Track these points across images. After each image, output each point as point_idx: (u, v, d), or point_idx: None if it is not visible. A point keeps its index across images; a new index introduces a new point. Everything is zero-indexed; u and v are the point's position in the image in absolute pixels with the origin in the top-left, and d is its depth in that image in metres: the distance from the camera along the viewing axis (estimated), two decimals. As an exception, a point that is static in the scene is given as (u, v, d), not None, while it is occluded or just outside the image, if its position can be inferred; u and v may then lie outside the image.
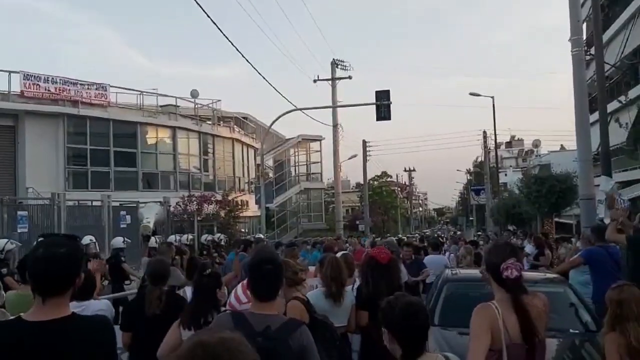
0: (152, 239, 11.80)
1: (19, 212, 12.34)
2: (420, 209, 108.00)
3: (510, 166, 68.49)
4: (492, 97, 36.64)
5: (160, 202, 17.80)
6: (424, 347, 2.49)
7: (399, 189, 72.91)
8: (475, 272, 7.12)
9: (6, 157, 20.97)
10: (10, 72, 21.00)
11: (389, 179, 65.85)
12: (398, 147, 58.44)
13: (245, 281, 5.00)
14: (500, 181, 48.33)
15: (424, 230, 70.10)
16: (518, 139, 79.61)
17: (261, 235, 17.31)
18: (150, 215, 10.81)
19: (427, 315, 2.58)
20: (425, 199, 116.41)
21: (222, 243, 15.63)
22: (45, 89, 21.94)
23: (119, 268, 9.97)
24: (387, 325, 2.54)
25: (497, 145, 42.04)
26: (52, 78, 22.39)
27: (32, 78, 21.67)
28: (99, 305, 4.57)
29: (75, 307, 4.47)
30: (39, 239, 2.44)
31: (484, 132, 42.46)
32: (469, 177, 68.57)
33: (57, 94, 22.21)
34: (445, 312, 5.70)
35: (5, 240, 8.22)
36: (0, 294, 4.04)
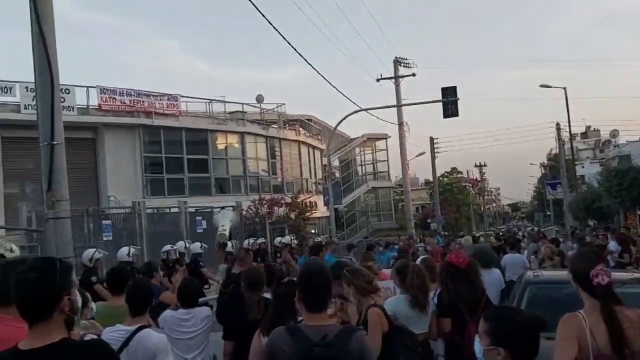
0: (229, 244, 12.07)
1: (104, 221, 12.97)
2: (494, 204, 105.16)
3: (587, 158, 65.36)
4: (564, 88, 35.14)
5: (232, 206, 18.22)
6: None
7: (470, 185, 71.23)
8: (558, 273, 6.84)
9: (88, 168, 22.08)
10: (88, 87, 22.13)
11: (459, 175, 64.50)
12: (467, 143, 57.38)
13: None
14: (577, 174, 46.25)
15: (498, 226, 68.07)
16: (594, 129, 75.79)
17: (319, 238, 17.19)
18: (225, 222, 11.02)
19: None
20: (498, 194, 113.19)
21: (294, 245, 15.79)
22: (121, 102, 22.96)
23: (198, 273, 10.27)
24: (503, 342, 2.36)
25: (572, 137, 40.26)
26: (127, 91, 23.40)
27: (108, 92, 22.74)
28: (206, 312, 4.75)
29: (184, 314, 4.69)
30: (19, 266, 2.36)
31: (557, 124, 40.75)
32: (543, 171, 66.03)
33: (132, 106, 23.20)
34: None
35: (93, 249, 8.61)
36: (89, 306, 4.20)
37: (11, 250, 5.86)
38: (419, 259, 6.22)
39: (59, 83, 6.95)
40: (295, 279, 4.57)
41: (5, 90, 20.26)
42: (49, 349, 2.19)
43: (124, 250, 9.18)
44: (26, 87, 19.58)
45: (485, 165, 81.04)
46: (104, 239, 12.32)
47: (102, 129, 22.37)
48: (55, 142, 6.81)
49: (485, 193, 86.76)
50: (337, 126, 26.81)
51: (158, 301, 5.76)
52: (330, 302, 3.08)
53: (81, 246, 10.14)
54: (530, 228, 48.95)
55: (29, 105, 19.49)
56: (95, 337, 3.10)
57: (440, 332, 4.60)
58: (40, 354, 2.18)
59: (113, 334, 3.58)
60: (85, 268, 8.23)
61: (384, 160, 44.88)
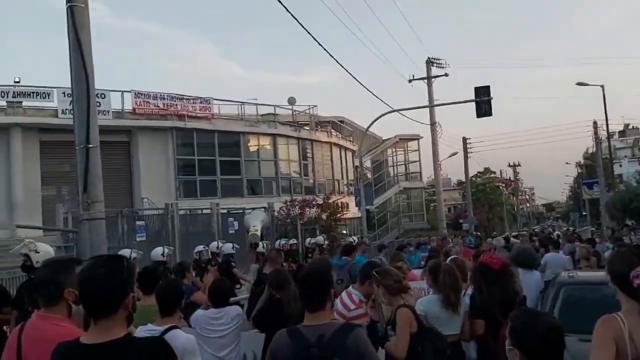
0: (260, 244, 12.15)
1: (137, 222, 13.23)
2: (528, 205, 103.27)
3: (625, 156, 63.74)
4: (602, 86, 34.27)
5: (264, 207, 18.34)
6: None
7: (504, 185, 70.13)
8: (594, 274, 6.68)
9: (122, 170, 22.53)
10: (122, 91, 22.58)
11: (492, 175, 63.58)
12: (500, 143, 56.41)
13: (350, 288, 5.05)
14: (615, 173, 45.07)
15: (532, 227, 66.85)
16: (633, 127, 73.75)
17: (351, 239, 17.14)
18: (256, 223, 11.08)
19: (564, 338, 2.40)
20: (533, 194, 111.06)
21: (325, 246, 15.80)
22: (155, 105, 23.37)
23: (230, 273, 10.36)
24: (520, 346, 2.36)
25: (609, 135, 39.24)
26: (160, 94, 23.81)
27: (142, 96, 23.18)
28: (236, 310, 4.81)
29: (215, 313, 4.76)
30: (85, 263, 2.48)
31: (595, 123, 39.78)
32: (579, 170, 64.57)
33: (166, 110, 23.60)
34: (564, 317, 5.36)
35: (129, 250, 8.81)
36: None
37: (36, 251, 6.03)
38: (449, 259, 6.16)
39: (94, 88, 7.13)
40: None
41: (44, 95, 20.87)
42: (113, 344, 2.25)
43: (158, 250, 9.33)
44: (63, 93, 20.11)
45: (519, 165, 79.70)
46: (138, 239, 12.54)
47: (136, 132, 22.81)
48: (90, 146, 6.96)
49: (519, 193, 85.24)
50: (369, 127, 26.71)
51: (189, 301, 5.83)
52: (329, 302, 3.07)
53: (115, 246, 10.36)
54: (565, 228, 47.89)
55: (66, 110, 20.02)
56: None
57: (473, 333, 4.52)
58: (104, 349, 2.24)
59: (143, 333, 3.64)
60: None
61: (416, 161, 44.57)
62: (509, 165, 78.06)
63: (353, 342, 2.80)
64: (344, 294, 4.86)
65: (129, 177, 22.78)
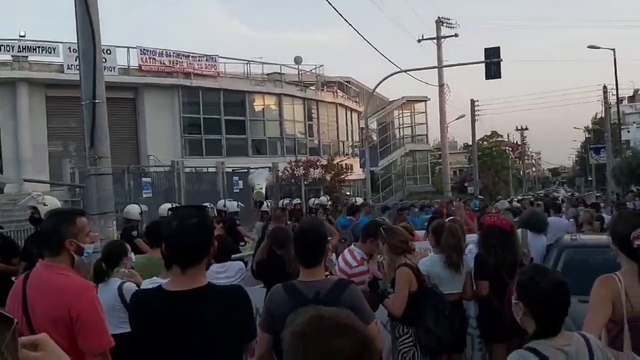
0: (265, 203, 12.24)
1: (143, 179, 13.34)
2: (534, 169, 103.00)
3: (634, 122, 63.00)
4: (613, 50, 33.65)
5: (269, 167, 18.39)
6: (560, 327, 2.37)
7: (510, 149, 69.80)
8: (597, 237, 6.72)
9: (129, 127, 22.54)
10: (128, 47, 22.40)
11: (499, 139, 63.22)
12: (509, 106, 55.84)
13: (352, 246, 5.11)
14: (622, 139, 44.70)
15: (538, 191, 66.79)
16: (643, 92, 72.73)
17: (357, 199, 17.23)
18: (261, 181, 11.11)
19: (569, 297, 2.44)
20: (539, 158, 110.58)
21: (328, 207, 15.88)
22: (161, 63, 23.19)
23: (234, 231, 10.47)
24: (525, 300, 2.39)
25: (619, 100, 38.77)
26: (166, 52, 23.59)
27: (149, 52, 22.97)
28: (239, 265, 4.90)
29: (219, 267, 4.84)
30: (169, 212, 2.58)
31: (604, 87, 39.23)
32: (587, 135, 64.09)
33: (172, 67, 23.41)
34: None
35: (137, 205, 8.95)
36: (129, 256, 4.39)
37: (44, 204, 6.12)
38: (448, 219, 6.20)
39: (100, 44, 7.08)
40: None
41: (49, 50, 20.72)
42: (200, 291, 2.37)
43: (166, 206, 9.43)
44: (69, 48, 19.95)
45: (526, 129, 79.01)
46: (144, 195, 12.64)
47: (142, 89, 22.72)
48: (97, 101, 6.96)
49: (526, 157, 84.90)
50: (375, 88, 26.46)
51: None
52: (324, 258, 3.14)
53: (122, 202, 10.47)
54: (570, 193, 47.86)
55: (72, 65, 19.89)
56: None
57: (477, 294, 4.59)
58: (191, 296, 2.35)
59: (149, 286, 3.72)
60: (127, 222, 8.52)
61: (423, 123, 44.25)
62: (517, 129, 77.52)
63: (348, 298, 2.86)
64: (346, 252, 4.93)
65: (135, 134, 22.80)
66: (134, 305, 2.54)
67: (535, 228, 6.37)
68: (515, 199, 27.64)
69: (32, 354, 1.39)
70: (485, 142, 57.08)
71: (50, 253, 2.87)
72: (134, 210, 8.71)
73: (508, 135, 72.54)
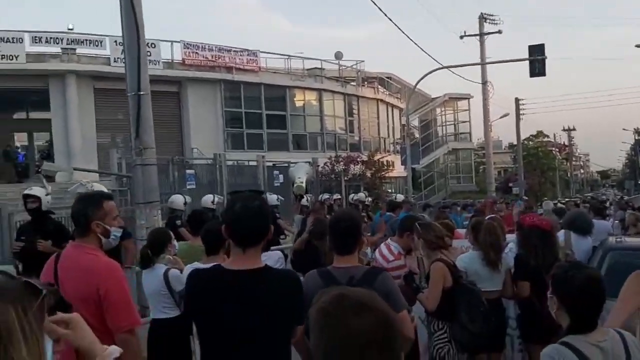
0: (304, 197, 12.31)
1: (187, 171, 13.63)
2: (582, 171, 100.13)
3: (687, 123, 60.41)
4: (665, 47, 32.35)
5: (309, 162, 18.47)
6: (596, 323, 2.33)
7: (557, 149, 67.98)
8: (643, 240, 6.51)
9: (173, 120, 22.97)
10: (172, 42, 22.77)
11: (545, 139, 61.66)
12: (555, 105, 54.34)
13: (389, 240, 5.11)
14: (676, 140, 43.00)
15: (585, 194, 64.93)
16: (699, 92, 69.56)
17: (399, 196, 17.13)
18: (301, 175, 11.20)
19: (605, 291, 2.40)
20: (587, 160, 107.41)
21: (368, 203, 15.84)
22: (203, 57, 23.56)
23: (274, 224, 10.59)
24: (559, 294, 2.39)
25: (674, 100, 37.25)
26: (209, 46, 23.94)
27: (192, 47, 23.36)
28: (278, 255, 5.00)
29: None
30: (229, 196, 2.66)
31: (657, 86, 37.76)
32: (637, 137, 61.90)
33: (214, 61, 23.75)
34: (608, 282, 5.27)
35: (181, 196, 9.20)
36: (173, 244, 4.51)
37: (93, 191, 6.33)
38: (487, 217, 6.11)
39: (144, 37, 7.27)
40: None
41: (97, 43, 21.29)
42: (258, 272, 2.50)
43: (209, 197, 9.65)
44: (115, 41, 20.44)
45: (574, 130, 76.74)
46: (188, 187, 12.89)
47: (185, 83, 23.11)
48: (141, 93, 7.15)
49: (574, 159, 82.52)
50: (417, 84, 26.23)
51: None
52: (358, 247, 3.18)
53: (166, 192, 10.70)
54: (619, 197, 46.35)
55: (118, 58, 20.41)
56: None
57: (518, 295, 4.51)
58: (250, 275, 2.47)
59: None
60: (171, 212, 8.74)
61: (466, 121, 43.57)
62: (563, 130, 75.37)
63: (381, 284, 2.90)
64: (382, 246, 4.93)
65: (179, 127, 23.22)
66: (192, 282, 2.61)
67: (579, 229, 6.19)
68: (563, 201, 26.95)
69: (61, 330, 1.47)
70: (530, 142, 55.80)
71: (79, 234, 3.00)
72: (178, 200, 8.93)
73: (554, 135, 70.68)
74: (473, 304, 3.94)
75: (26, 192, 6.26)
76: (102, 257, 2.93)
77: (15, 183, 20.81)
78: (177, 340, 4.17)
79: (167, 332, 4.22)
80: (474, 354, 4.16)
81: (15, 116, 28.01)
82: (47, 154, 25.13)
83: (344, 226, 3.12)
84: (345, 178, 21.25)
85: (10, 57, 19.56)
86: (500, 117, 39.25)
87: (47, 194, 5.96)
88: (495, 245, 4.53)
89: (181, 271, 4.07)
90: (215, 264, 2.87)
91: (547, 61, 22.36)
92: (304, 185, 10.91)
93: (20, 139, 28.54)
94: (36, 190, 6.19)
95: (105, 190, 6.94)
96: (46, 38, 20.59)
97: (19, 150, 27.39)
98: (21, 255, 5.64)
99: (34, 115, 26.91)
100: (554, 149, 64.36)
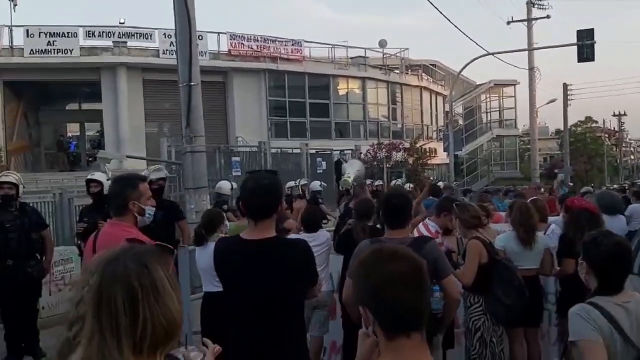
0: (350, 191, 12.53)
1: (233, 158, 14.06)
2: (632, 157, 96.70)
3: None
4: None
5: (351, 150, 18.62)
6: (622, 285, 2.49)
7: (606, 135, 65.90)
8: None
9: (218, 109, 23.51)
10: (219, 33, 23.30)
11: (593, 125, 59.85)
12: (604, 91, 52.55)
13: (427, 219, 5.31)
14: None
15: (635, 180, 62.86)
16: None
17: (440, 183, 17.13)
18: (351, 171, 11.48)
19: (631, 257, 2.57)
20: (639, 146, 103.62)
21: (409, 189, 15.93)
22: (249, 47, 23.98)
23: (317, 209, 10.87)
24: (588, 259, 2.56)
25: None
26: (254, 37, 24.34)
27: (238, 38, 23.81)
28: (326, 235, 5.28)
29: (309, 237, 5.21)
30: (247, 175, 2.96)
31: None
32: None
33: (259, 52, 24.15)
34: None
35: (228, 181, 9.59)
36: (225, 224, 4.86)
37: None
38: (530, 199, 6.21)
39: (196, 31, 7.64)
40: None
41: (146, 36, 22.00)
42: (269, 241, 2.81)
43: (226, 184, 9.97)
44: (164, 34, 21.10)
45: (624, 115, 74.17)
46: (234, 173, 13.29)
47: (231, 73, 23.62)
48: (192, 84, 7.53)
49: (623, 145, 79.80)
50: (461, 71, 25.96)
51: (282, 227, 6.35)
52: (409, 221, 3.48)
53: (214, 179, 11.11)
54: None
55: (166, 50, 21.05)
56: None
57: (564, 272, 4.66)
58: (263, 243, 2.79)
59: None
60: (218, 197, 9.12)
61: (511, 108, 42.68)
62: (613, 115, 72.89)
63: (428, 251, 3.16)
64: (420, 226, 5.13)
65: (224, 116, 23.76)
66: (217, 249, 2.96)
67: (607, 208, 6.18)
68: (611, 187, 26.29)
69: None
70: (578, 128, 54.30)
71: (117, 213, 3.24)
72: (225, 186, 9.30)
73: (604, 120, 68.48)
74: (507, 280, 4.11)
75: (89, 177, 6.68)
76: (137, 232, 3.16)
77: (67, 171, 21.86)
78: (226, 310, 4.49)
79: (218, 304, 4.56)
80: (509, 327, 4.33)
81: (68, 107, 29.23)
82: (98, 143, 26.19)
83: (395, 202, 3.40)
84: (388, 165, 21.34)
85: (65, 51, 20.46)
86: (547, 103, 38.44)
87: (107, 179, 6.36)
88: (525, 224, 4.70)
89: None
90: (234, 236, 3.18)
91: (596, 45, 21.84)
92: (350, 180, 11.21)
93: (72, 129, 29.76)
94: (99, 176, 6.61)
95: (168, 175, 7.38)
96: (99, 32, 21.44)
97: (71, 140, 28.60)
98: (84, 235, 6.08)
99: (86, 106, 28.03)
100: (603, 134, 62.43)
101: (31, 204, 7.08)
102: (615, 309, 2.38)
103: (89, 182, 6.52)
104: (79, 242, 6.61)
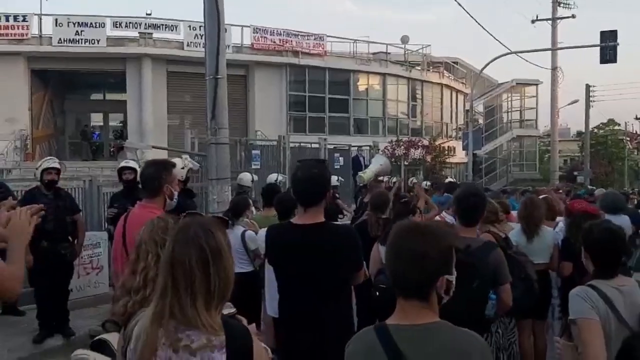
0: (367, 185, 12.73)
1: (253, 151, 14.33)
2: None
3: None
4: None
5: (369, 146, 18.73)
6: (617, 270, 2.73)
7: (628, 138, 65.02)
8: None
9: (239, 103, 23.75)
10: (242, 26, 23.52)
11: (616, 128, 59.10)
12: (628, 93, 51.83)
13: (443, 212, 5.50)
14: None
15: (651, 185, 61.88)
16: None
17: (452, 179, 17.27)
18: (375, 165, 11.57)
19: (624, 242, 2.79)
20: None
21: (425, 186, 16.06)
22: (272, 41, 24.18)
23: (333, 203, 11.08)
24: (585, 245, 2.84)
25: None
26: (277, 30, 24.52)
27: (260, 31, 24.03)
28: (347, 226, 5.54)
29: None
30: (298, 164, 3.19)
31: None
32: None
33: (281, 46, 24.33)
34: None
35: (249, 174, 9.86)
36: (251, 209, 5.17)
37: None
38: (542, 196, 6.37)
39: (224, 23, 7.83)
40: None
41: (172, 28, 22.32)
42: (318, 226, 3.04)
43: (273, 175, 10.24)
44: (189, 26, 21.41)
45: (648, 118, 73.06)
46: (253, 166, 13.56)
47: (253, 66, 23.82)
48: (219, 77, 7.74)
49: (646, 148, 78.55)
50: (483, 69, 25.93)
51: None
52: (480, 220, 3.62)
53: (235, 171, 11.36)
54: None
55: (191, 42, 21.37)
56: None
57: (561, 274, 4.83)
58: (313, 228, 3.02)
59: (264, 233, 4.36)
60: (239, 189, 9.38)
61: (533, 108, 42.37)
62: (636, 118, 71.86)
63: (494, 258, 3.33)
64: (437, 218, 5.33)
65: (244, 110, 23.99)
66: (269, 235, 3.21)
67: (610, 208, 6.31)
68: (629, 191, 26.10)
69: None
70: (600, 131, 53.70)
71: (149, 195, 3.45)
72: (246, 177, 9.56)
73: (626, 123, 67.55)
74: (515, 273, 4.27)
75: (124, 164, 6.98)
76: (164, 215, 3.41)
77: (90, 161, 22.33)
78: (250, 291, 4.77)
79: (242, 285, 4.82)
80: (518, 319, 4.51)
81: (92, 97, 29.77)
82: (121, 134, 26.64)
83: (472, 201, 3.53)
84: (405, 162, 21.46)
85: (92, 41, 20.88)
86: (569, 104, 38.19)
87: (139, 167, 6.65)
88: (527, 217, 4.93)
89: (256, 233, 4.64)
90: (285, 222, 3.41)
91: (622, 47, 21.76)
92: (365, 177, 11.39)
93: (95, 119, 30.33)
94: (133, 163, 6.91)
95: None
96: (126, 23, 21.80)
97: (94, 130, 29.12)
98: (114, 220, 6.39)
99: (110, 96, 28.52)
100: (625, 137, 61.63)
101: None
102: (611, 291, 2.62)
103: (123, 169, 6.82)
104: (109, 227, 6.91)
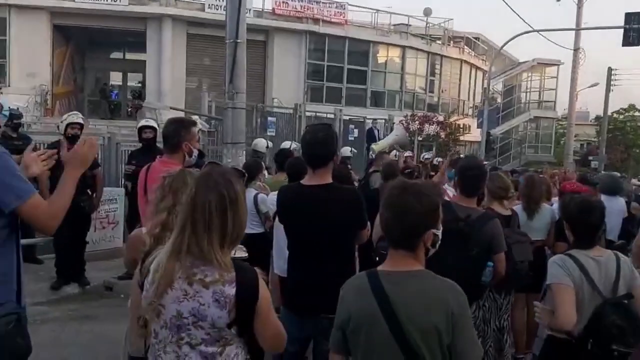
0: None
1: (269, 118, 14.48)
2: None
3: None
4: None
5: (384, 119, 18.74)
6: (595, 241, 2.94)
7: (647, 125, 64.03)
8: None
9: (257, 69, 23.74)
10: (264, -9, 23.43)
11: (636, 114, 58.23)
12: (652, 78, 50.54)
13: (445, 185, 5.67)
14: None
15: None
16: None
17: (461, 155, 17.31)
18: (389, 138, 11.68)
19: (602, 214, 2.97)
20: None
21: (436, 162, 16.14)
22: (293, 7, 24.03)
23: (347, 172, 11.24)
24: (565, 217, 3.08)
25: None
26: (299, -4, 24.32)
27: (283, -4, 23.86)
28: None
29: None
30: (306, 128, 3.38)
31: None
32: None
33: (302, 12, 24.18)
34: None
35: (264, 140, 10.05)
36: (263, 173, 5.42)
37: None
38: (541, 176, 6.51)
39: (245, -14, 7.87)
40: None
41: (193, -11, 22.25)
42: (326, 186, 3.25)
43: (287, 143, 10.41)
44: (211, -13, 21.35)
45: (670, 105, 71.76)
46: (268, 133, 13.73)
47: (272, 32, 23.74)
48: (238, 41, 7.84)
49: (666, 136, 77.40)
50: (503, 46, 25.62)
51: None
52: (481, 192, 3.84)
53: (248, 136, 11.56)
54: None
55: (212, 5, 21.34)
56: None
57: (555, 252, 4.97)
58: (320, 188, 3.23)
59: (274, 197, 4.56)
60: (254, 154, 9.58)
61: (552, 89, 41.78)
62: (659, 104, 70.60)
63: (490, 228, 3.58)
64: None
65: (262, 76, 24.00)
66: (280, 194, 3.45)
67: (605, 189, 6.40)
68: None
69: None
70: (620, 116, 52.92)
71: (169, 151, 3.66)
72: (261, 143, 9.75)
73: (646, 110, 66.42)
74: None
75: (144, 123, 7.18)
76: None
77: (108, 119, 22.60)
78: (260, 251, 4.99)
79: (253, 245, 5.06)
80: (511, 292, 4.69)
81: (112, 56, 29.88)
82: (139, 94, 26.82)
83: (473, 173, 3.76)
84: (419, 138, 21.48)
85: (115, -1, 20.92)
86: (589, 87, 37.58)
87: (158, 126, 6.85)
88: (528, 195, 5.13)
89: (267, 195, 4.85)
90: (295, 183, 3.62)
91: (646, 30, 21.32)
92: (377, 148, 11.54)
93: (114, 78, 30.50)
94: (153, 122, 7.11)
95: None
96: (149, -19, 21.76)
97: (112, 89, 29.32)
98: (132, 176, 6.62)
99: (130, 56, 28.61)
100: (644, 124, 60.65)
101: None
102: (587, 261, 2.84)
103: (143, 128, 7.02)
104: (125, 183, 7.16)
